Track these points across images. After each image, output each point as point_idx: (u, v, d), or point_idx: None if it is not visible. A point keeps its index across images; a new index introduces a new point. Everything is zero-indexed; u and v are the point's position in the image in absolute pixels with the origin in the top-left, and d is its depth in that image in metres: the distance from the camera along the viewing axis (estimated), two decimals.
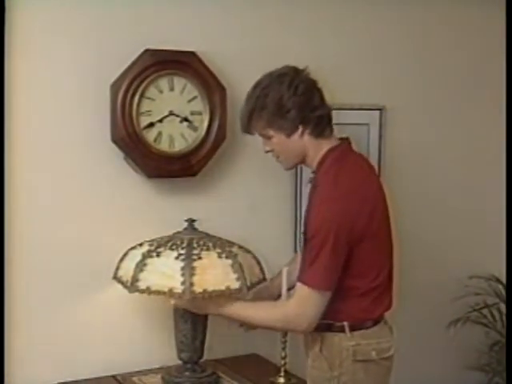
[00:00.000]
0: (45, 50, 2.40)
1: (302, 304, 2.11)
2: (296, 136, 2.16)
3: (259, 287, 2.39)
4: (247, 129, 2.23)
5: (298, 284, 2.12)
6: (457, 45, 3.18)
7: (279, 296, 2.34)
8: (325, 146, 2.19)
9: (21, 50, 2.35)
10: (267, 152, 2.25)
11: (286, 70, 2.17)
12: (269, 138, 2.20)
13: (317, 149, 2.19)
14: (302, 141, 2.17)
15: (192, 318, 2.36)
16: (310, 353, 2.24)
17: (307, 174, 2.82)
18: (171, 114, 2.52)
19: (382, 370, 2.22)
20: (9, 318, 2.34)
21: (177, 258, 2.24)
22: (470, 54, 3.21)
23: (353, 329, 2.16)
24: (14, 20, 2.32)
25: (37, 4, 2.37)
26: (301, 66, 2.19)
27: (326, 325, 2.16)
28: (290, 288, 2.35)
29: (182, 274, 2.20)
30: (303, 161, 2.24)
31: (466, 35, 3.20)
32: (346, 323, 2.16)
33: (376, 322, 2.21)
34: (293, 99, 2.11)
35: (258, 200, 2.78)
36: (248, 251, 2.40)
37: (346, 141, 2.26)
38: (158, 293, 2.21)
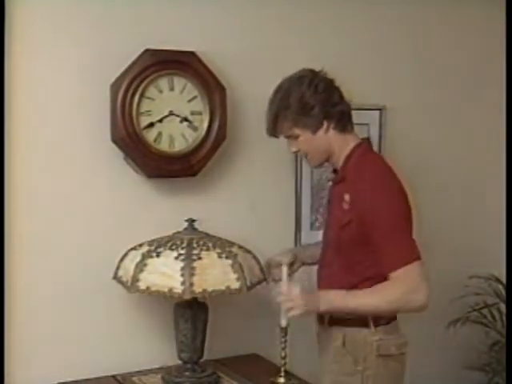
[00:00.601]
0: (45, 50, 2.40)
1: (408, 281, 2.12)
2: (321, 132, 2.23)
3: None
4: (273, 132, 2.30)
5: (399, 271, 2.11)
6: (457, 45, 3.18)
7: None
8: (350, 140, 2.28)
9: (21, 50, 2.35)
10: (294, 152, 2.35)
11: (303, 73, 2.26)
12: (295, 137, 2.26)
13: (343, 143, 2.27)
14: (328, 136, 2.24)
15: (192, 317, 2.37)
16: (330, 348, 2.27)
17: (306, 174, 2.84)
18: (171, 113, 2.52)
19: (399, 365, 2.28)
20: (9, 318, 2.34)
21: (177, 258, 2.24)
22: (470, 53, 3.21)
23: (376, 324, 2.21)
24: (14, 19, 2.32)
25: (37, 3, 2.37)
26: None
27: (350, 320, 2.21)
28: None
29: (182, 274, 2.20)
30: (329, 157, 2.29)
31: (466, 35, 3.20)
32: (370, 318, 2.21)
33: (392, 318, 2.27)
34: (314, 97, 2.20)
35: (258, 200, 2.78)
36: (248, 251, 2.40)
37: (367, 140, 2.34)
38: (158, 293, 2.22)
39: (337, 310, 2.21)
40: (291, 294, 2.18)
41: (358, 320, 2.21)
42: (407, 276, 2.12)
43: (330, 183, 2.42)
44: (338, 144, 2.26)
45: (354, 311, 2.20)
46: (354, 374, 2.21)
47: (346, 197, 2.20)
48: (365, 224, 2.15)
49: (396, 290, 2.13)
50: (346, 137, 2.27)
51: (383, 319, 2.23)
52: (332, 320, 2.27)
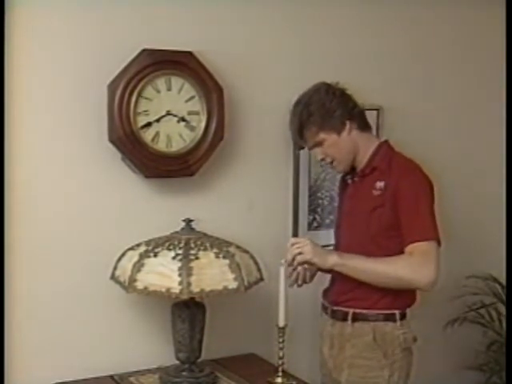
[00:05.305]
0: (43, 50, 2.40)
1: (421, 255, 2.22)
2: (345, 133, 2.36)
3: None
4: (300, 141, 2.45)
5: (416, 244, 2.23)
6: (456, 45, 3.17)
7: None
8: (373, 139, 2.46)
9: (19, 50, 2.34)
10: (321, 160, 2.44)
11: (318, 85, 2.41)
12: (321, 143, 2.37)
13: (367, 142, 2.40)
14: (352, 137, 2.37)
15: (189, 317, 2.37)
16: (357, 343, 2.34)
17: (304, 174, 2.84)
18: (168, 113, 2.52)
19: (412, 357, 2.41)
20: (9, 319, 2.34)
21: (174, 258, 2.24)
22: (469, 54, 3.21)
23: (400, 317, 2.33)
24: (13, 19, 2.32)
25: (36, 4, 2.37)
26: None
27: (375, 315, 2.32)
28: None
29: (180, 274, 2.20)
30: (354, 159, 2.40)
31: (465, 35, 3.19)
32: (396, 312, 2.32)
33: (405, 312, 2.36)
34: (335, 101, 2.36)
35: (255, 200, 2.78)
36: (245, 251, 2.40)
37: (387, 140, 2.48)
38: (156, 293, 2.22)
39: (352, 270, 2.26)
40: (301, 241, 2.30)
41: (384, 314, 2.31)
42: (421, 250, 2.22)
43: (349, 181, 2.47)
44: (362, 143, 2.39)
45: (373, 274, 2.26)
46: (383, 368, 2.33)
47: (378, 184, 2.33)
48: (397, 205, 2.26)
49: (407, 260, 2.23)
50: (368, 135, 2.42)
51: (405, 313, 2.34)
52: (356, 316, 2.34)
